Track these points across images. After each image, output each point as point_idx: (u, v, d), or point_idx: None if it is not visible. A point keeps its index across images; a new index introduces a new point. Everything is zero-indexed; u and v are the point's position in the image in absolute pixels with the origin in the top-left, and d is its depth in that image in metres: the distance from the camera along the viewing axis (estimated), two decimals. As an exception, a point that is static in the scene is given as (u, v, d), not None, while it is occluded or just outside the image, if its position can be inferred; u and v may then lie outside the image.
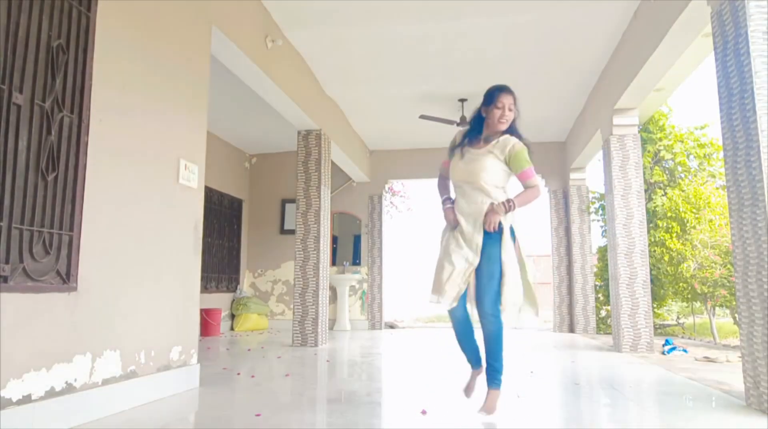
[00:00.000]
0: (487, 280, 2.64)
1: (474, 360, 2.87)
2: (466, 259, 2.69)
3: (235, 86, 5.32)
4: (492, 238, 2.67)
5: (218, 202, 8.10)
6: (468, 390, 2.89)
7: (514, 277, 2.65)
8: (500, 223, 2.67)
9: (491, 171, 2.73)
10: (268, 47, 4.62)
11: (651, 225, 6.50)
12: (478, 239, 2.68)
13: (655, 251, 6.43)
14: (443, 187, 3.03)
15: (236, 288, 8.51)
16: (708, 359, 4.73)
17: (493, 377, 2.69)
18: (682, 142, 6.96)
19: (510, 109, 2.78)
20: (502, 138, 2.79)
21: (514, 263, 2.67)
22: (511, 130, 2.82)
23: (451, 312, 2.76)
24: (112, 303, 2.73)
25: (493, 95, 2.80)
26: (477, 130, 2.87)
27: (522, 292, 2.69)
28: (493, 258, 2.65)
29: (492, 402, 2.68)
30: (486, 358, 2.72)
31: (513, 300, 2.65)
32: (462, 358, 2.92)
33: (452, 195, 2.94)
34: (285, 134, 7.44)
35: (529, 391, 3.40)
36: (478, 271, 2.67)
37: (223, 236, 8.25)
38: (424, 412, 2.75)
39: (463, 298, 2.72)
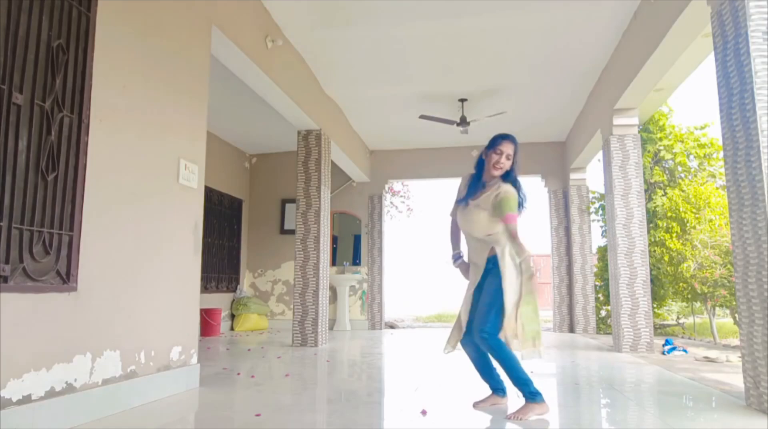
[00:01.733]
0: (482, 308, 2.77)
1: (495, 387, 2.93)
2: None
3: (235, 86, 5.32)
4: (492, 273, 2.78)
5: (218, 202, 8.10)
6: (477, 405, 2.89)
7: (511, 308, 2.68)
8: (495, 258, 2.76)
9: (482, 224, 2.81)
10: (268, 47, 4.62)
11: (651, 225, 6.50)
12: (478, 276, 2.86)
13: (655, 251, 6.43)
14: (454, 237, 3.14)
15: (236, 288, 8.51)
16: (708, 359, 4.73)
17: (523, 392, 2.70)
18: (682, 142, 6.97)
19: (508, 158, 2.84)
20: (493, 188, 2.85)
21: (514, 294, 2.70)
22: (510, 179, 2.86)
23: (464, 349, 2.92)
24: (112, 303, 2.73)
25: (495, 141, 2.89)
26: (478, 175, 2.96)
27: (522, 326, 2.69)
28: (490, 292, 2.75)
29: (523, 412, 2.66)
30: (508, 378, 2.77)
31: (514, 330, 2.69)
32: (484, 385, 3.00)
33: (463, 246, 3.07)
34: (285, 134, 7.44)
35: (529, 391, 3.39)
36: (476, 302, 2.84)
37: (223, 236, 8.25)
38: (424, 413, 2.75)
39: (468, 334, 2.86)
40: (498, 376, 2.92)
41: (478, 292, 2.86)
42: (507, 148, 2.83)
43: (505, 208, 2.74)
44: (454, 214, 3.06)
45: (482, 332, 2.70)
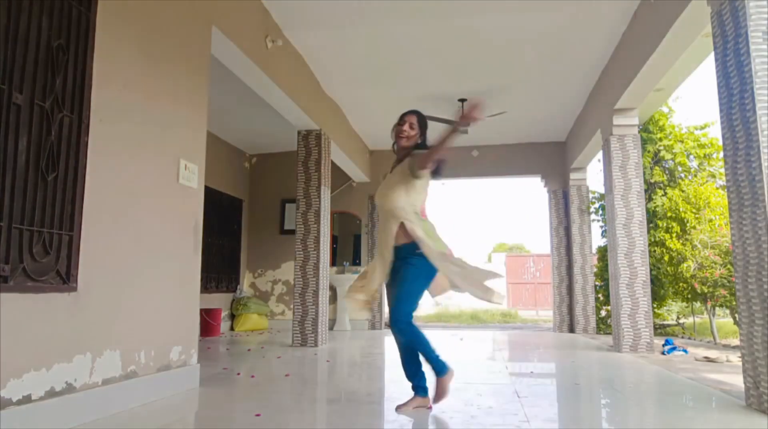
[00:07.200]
0: (399, 295, 2.73)
1: (419, 385, 2.87)
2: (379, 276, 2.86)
3: (235, 86, 5.32)
4: (408, 261, 2.75)
5: (218, 202, 8.10)
6: (400, 408, 2.80)
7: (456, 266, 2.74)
8: (418, 250, 2.74)
9: (397, 192, 2.80)
10: (268, 47, 4.62)
11: (651, 225, 6.50)
12: (389, 259, 2.82)
13: (655, 251, 6.43)
14: None
15: (236, 288, 8.51)
16: (708, 359, 4.73)
17: (437, 369, 2.77)
18: (682, 142, 6.97)
19: (411, 127, 2.89)
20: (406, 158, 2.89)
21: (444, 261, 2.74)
22: (422, 147, 2.89)
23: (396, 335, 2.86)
24: (112, 303, 2.73)
25: (401, 116, 2.95)
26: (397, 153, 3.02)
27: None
28: (407, 278, 2.73)
29: (443, 389, 2.77)
30: (423, 359, 2.82)
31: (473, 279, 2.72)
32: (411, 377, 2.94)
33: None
34: (285, 134, 7.43)
35: (529, 391, 3.39)
36: (394, 289, 2.81)
37: (223, 236, 8.25)
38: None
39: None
40: (423, 374, 2.87)
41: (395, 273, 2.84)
42: (410, 118, 2.90)
43: (415, 156, 2.79)
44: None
45: (406, 324, 2.72)
